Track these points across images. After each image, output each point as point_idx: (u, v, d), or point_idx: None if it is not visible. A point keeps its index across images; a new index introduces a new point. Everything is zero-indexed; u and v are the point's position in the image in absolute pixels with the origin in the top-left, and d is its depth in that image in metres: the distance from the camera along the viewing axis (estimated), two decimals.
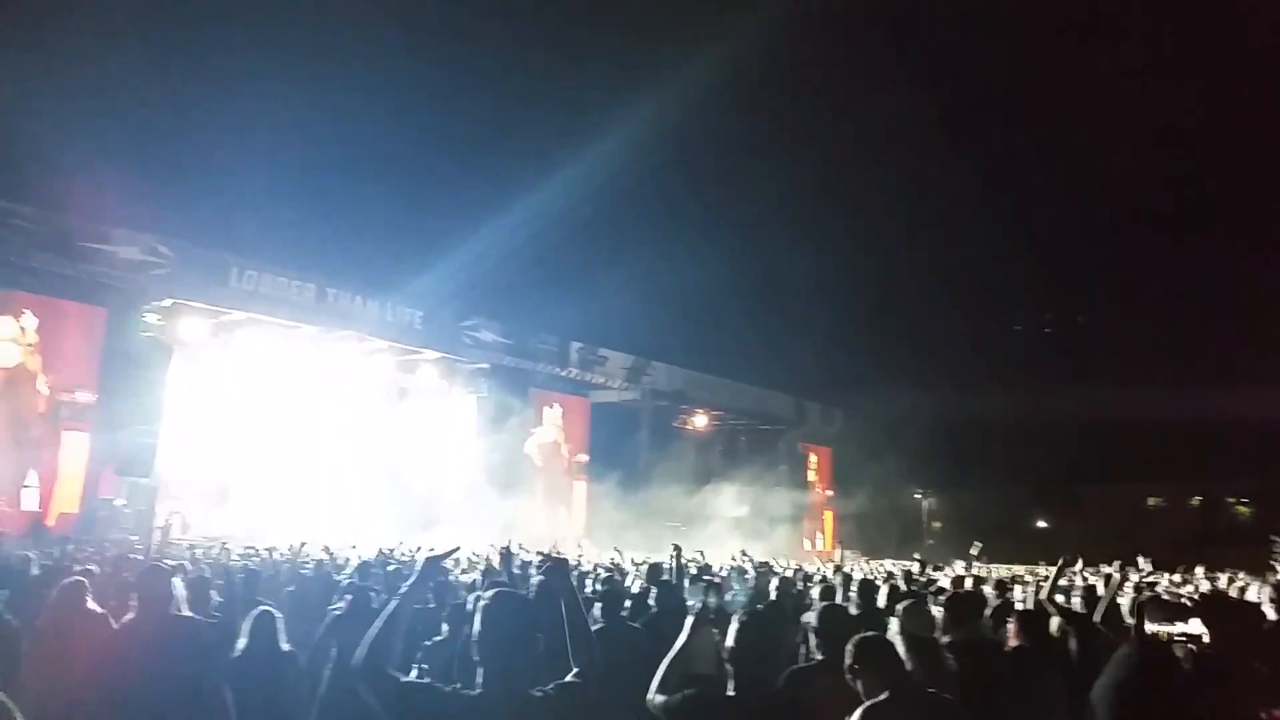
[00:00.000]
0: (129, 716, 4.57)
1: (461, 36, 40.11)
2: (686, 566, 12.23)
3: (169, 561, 11.16)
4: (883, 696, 3.62)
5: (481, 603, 3.07)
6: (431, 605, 6.93)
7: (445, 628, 5.97)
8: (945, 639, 5.18)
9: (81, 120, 25.05)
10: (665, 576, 8.23)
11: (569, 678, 3.09)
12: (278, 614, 5.46)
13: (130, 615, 5.21)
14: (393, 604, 3.09)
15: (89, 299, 21.95)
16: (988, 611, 5.88)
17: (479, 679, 2.96)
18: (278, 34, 34.25)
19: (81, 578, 6.28)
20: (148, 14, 31.78)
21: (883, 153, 46.63)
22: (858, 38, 45.91)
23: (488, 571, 7.85)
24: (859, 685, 3.71)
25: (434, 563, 3.31)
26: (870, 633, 3.96)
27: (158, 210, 23.10)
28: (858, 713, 3.60)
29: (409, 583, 3.19)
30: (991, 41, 45.09)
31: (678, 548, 8.33)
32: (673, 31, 41.33)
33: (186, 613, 5.48)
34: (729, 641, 3.60)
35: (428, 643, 5.86)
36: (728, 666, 3.61)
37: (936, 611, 5.91)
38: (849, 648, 3.82)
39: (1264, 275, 42.20)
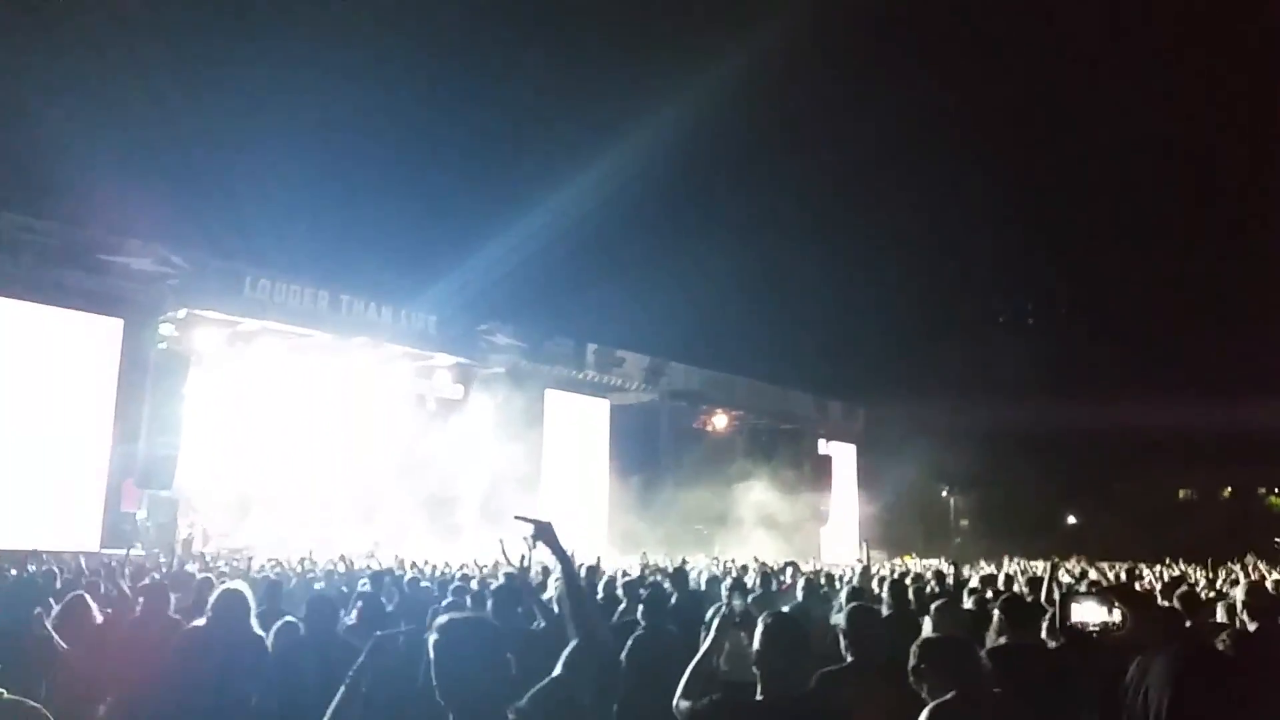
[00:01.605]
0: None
1: (475, 43, 40.18)
2: (706, 571, 12.02)
3: (200, 574, 11.11)
4: (949, 696, 3.51)
5: (433, 639, 2.67)
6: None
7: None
8: (1001, 640, 5.02)
9: (94, 133, 25.17)
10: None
11: (556, 670, 2.87)
12: (249, 595, 5.30)
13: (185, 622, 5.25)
14: (342, 689, 2.83)
15: (105, 311, 21.95)
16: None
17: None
18: (290, 44, 34.34)
19: (84, 592, 6.26)
20: (161, 29, 31.91)
21: (905, 151, 46.35)
22: (875, 40, 45.68)
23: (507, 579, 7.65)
24: (924, 687, 3.59)
25: (384, 642, 2.96)
26: (937, 634, 3.81)
27: (170, 221, 23.13)
28: (925, 712, 3.50)
29: (357, 664, 2.86)
30: (1011, 40, 44.74)
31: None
32: (688, 35, 41.26)
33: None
34: (756, 645, 3.49)
35: None
36: (755, 670, 3.48)
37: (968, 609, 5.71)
38: (915, 648, 3.73)
39: None
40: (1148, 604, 4.45)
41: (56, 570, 9.64)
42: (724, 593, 7.67)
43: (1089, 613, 4.15)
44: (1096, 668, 4.72)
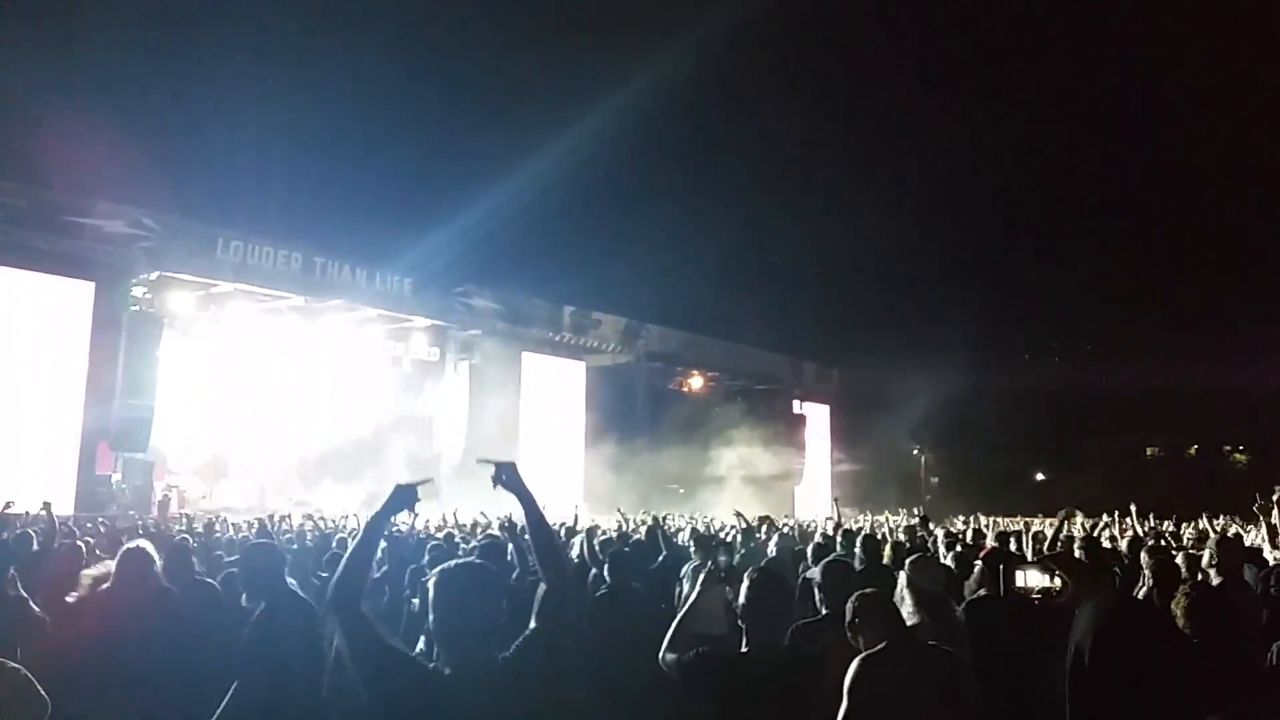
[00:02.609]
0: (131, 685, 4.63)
1: (451, 6, 39.61)
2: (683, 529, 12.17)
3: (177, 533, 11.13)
4: (879, 647, 3.62)
5: (434, 579, 2.84)
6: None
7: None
8: (982, 592, 5.19)
9: (63, 93, 24.73)
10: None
11: (532, 622, 2.92)
12: (192, 544, 5.36)
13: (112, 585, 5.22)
14: (360, 534, 2.96)
15: (76, 274, 21.72)
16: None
17: (444, 659, 2.77)
18: (264, 8, 33.75)
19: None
20: None
21: (879, 112, 46.31)
22: (857, 9, 45.45)
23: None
24: (859, 640, 3.69)
25: (405, 490, 3.11)
26: (869, 589, 3.91)
27: (142, 183, 22.80)
28: (854, 663, 3.60)
29: (376, 512, 3.00)
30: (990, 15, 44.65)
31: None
32: (667, 1, 40.85)
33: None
34: (741, 599, 3.59)
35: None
36: (740, 624, 3.60)
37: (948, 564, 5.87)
38: (849, 604, 3.81)
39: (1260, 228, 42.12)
40: (1084, 569, 4.61)
41: (32, 534, 9.60)
42: (693, 550, 7.83)
43: (1032, 579, 4.31)
44: (1064, 619, 4.89)
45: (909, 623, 4.27)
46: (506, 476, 3.11)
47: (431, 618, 2.78)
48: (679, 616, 3.78)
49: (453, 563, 2.97)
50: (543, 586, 3.02)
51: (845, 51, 45.90)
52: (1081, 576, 4.25)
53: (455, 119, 42.85)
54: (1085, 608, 4.12)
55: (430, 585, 2.82)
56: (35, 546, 8.59)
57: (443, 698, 2.64)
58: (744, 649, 3.54)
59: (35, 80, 23.42)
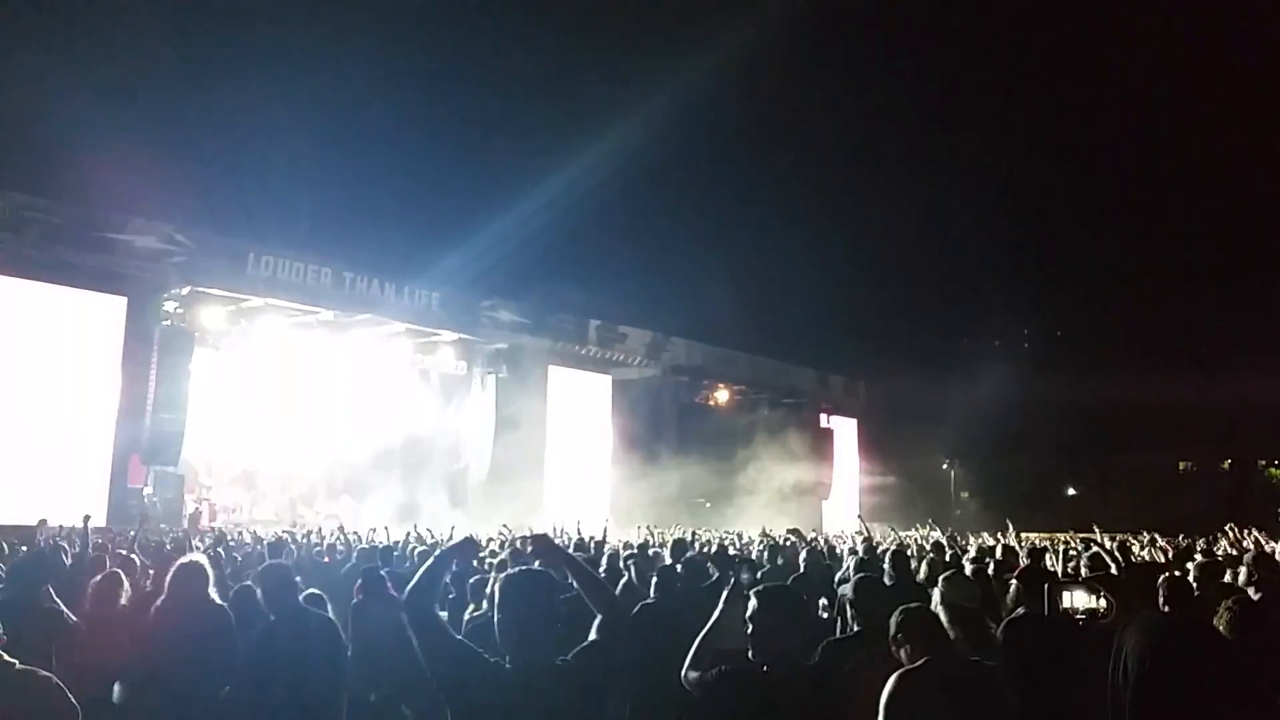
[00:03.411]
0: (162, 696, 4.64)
1: (476, 19, 39.93)
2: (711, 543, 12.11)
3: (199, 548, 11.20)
4: (920, 663, 3.60)
5: (499, 583, 3.12)
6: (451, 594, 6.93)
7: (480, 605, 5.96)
8: (1019, 611, 5.11)
9: (96, 110, 25.08)
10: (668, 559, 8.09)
11: (592, 635, 3.20)
12: (208, 567, 5.38)
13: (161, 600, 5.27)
14: (433, 559, 3.24)
15: (108, 289, 21.99)
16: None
17: (506, 660, 2.99)
18: (292, 22, 34.15)
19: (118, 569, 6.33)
20: (164, 6, 31.75)
21: (911, 123, 46.20)
22: (879, 13, 45.39)
23: (514, 554, 7.79)
24: (902, 654, 3.65)
25: (470, 544, 3.62)
26: (915, 604, 3.87)
27: (174, 198, 23.09)
28: (893, 678, 3.59)
29: (449, 544, 3.39)
30: (1004, 16, 44.46)
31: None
32: (690, 9, 40.95)
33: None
34: (748, 615, 3.58)
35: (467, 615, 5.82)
36: (749, 640, 3.59)
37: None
38: (893, 619, 3.77)
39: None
40: (1131, 591, 4.54)
41: (65, 546, 9.70)
42: (710, 567, 7.76)
43: (1078, 600, 4.23)
44: (1102, 639, 4.81)
45: None
46: (541, 550, 3.38)
47: (497, 617, 3.04)
48: (702, 634, 3.78)
49: (518, 568, 3.34)
50: (599, 617, 3.28)
51: (869, 62, 45.84)
52: (1127, 597, 4.20)
53: (482, 134, 43.12)
54: (1133, 627, 4.06)
55: (497, 588, 3.12)
56: (68, 561, 8.67)
57: (504, 690, 2.89)
58: (765, 667, 3.50)
59: (68, 98, 23.80)
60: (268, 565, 5.44)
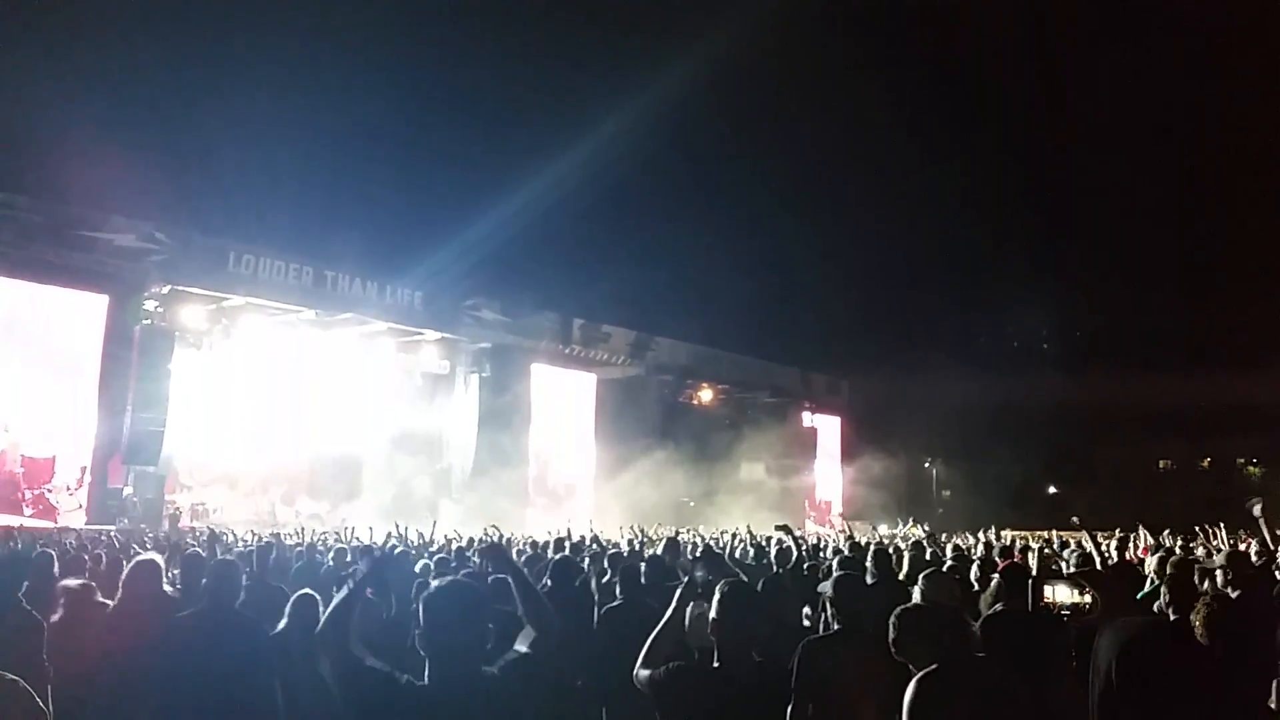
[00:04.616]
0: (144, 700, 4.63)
1: (459, 17, 39.79)
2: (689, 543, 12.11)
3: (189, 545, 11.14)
4: (934, 667, 3.52)
5: (424, 594, 3.00)
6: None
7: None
8: (998, 607, 5.11)
9: (76, 108, 24.90)
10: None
11: (520, 647, 3.09)
12: (161, 563, 5.36)
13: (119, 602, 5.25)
14: (351, 583, 3.18)
15: (89, 287, 21.85)
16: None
17: (426, 671, 2.92)
18: (273, 19, 33.97)
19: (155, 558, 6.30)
20: (144, 3, 31.54)
21: (891, 126, 46.34)
22: (863, 15, 45.54)
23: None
24: (905, 657, 3.61)
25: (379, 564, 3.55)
26: (915, 605, 3.85)
27: (154, 197, 22.93)
28: (911, 685, 3.50)
29: (371, 561, 3.29)
30: (999, 24, 44.67)
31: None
32: (675, 9, 41.00)
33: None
34: (712, 613, 3.52)
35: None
36: (712, 638, 3.52)
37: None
38: (893, 620, 3.71)
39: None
40: (1114, 585, 4.56)
41: (54, 554, 9.62)
42: (688, 562, 7.76)
43: (1060, 594, 4.23)
44: (1083, 635, 4.85)
45: None
46: (491, 559, 3.32)
47: (417, 633, 2.94)
48: (654, 633, 3.71)
49: (441, 580, 3.14)
50: (533, 634, 3.20)
51: (856, 63, 45.95)
52: (1109, 592, 4.20)
53: (464, 133, 43.02)
54: (1109, 627, 4.06)
55: (420, 601, 2.98)
56: (56, 569, 8.52)
57: (414, 706, 2.83)
58: (716, 664, 3.47)
59: (48, 96, 23.63)
60: (217, 561, 5.41)
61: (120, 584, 5.31)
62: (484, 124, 45.29)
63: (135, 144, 26.12)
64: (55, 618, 5.67)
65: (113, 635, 4.98)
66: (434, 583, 3.11)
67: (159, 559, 5.39)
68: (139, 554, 6.28)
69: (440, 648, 2.89)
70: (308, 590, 5.41)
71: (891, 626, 3.71)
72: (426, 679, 2.89)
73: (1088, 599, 4.30)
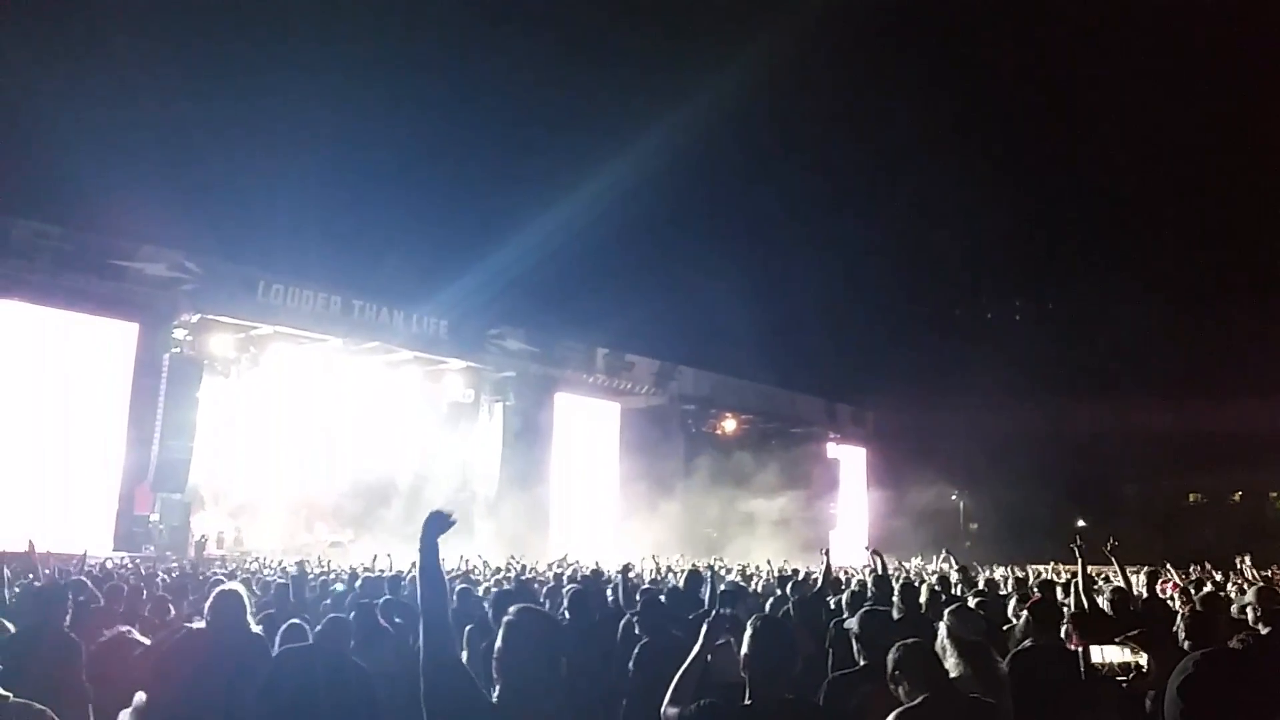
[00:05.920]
0: None
1: (487, 50, 40.30)
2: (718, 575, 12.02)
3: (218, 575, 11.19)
4: (918, 700, 3.53)
5: (506, 618, 3.04)
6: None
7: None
8: (1027, 644, 5.07)
9: (108, 140, 25.34)
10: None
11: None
12: (244, 594, 5.36)
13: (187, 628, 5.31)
14: (422, 586, 3.09)
15: (120, 315, 22.11)
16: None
17: (495, 694, 2.94)
18: (302, 51, 34.51)
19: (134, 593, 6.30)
20: (174, 36, 32.12)
21: (914, 156, 46.36)
22: (878, 47, 45.70)
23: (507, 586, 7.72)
24: (901, 691, 3.60)
25: (437, 517, 3.25)
26: (912, 639, 3.82)
27: (185, 227, 23.31)
28: (891, 717, 3.50)
29: (424, 554, 3.15)
30: (1012, 44, 44.69)
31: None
32: (697, 43, 41.34)
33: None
34: (744, 649, 3.47)
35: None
36: (744, 674, 3.47)
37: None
38: (891, 655, 3.70)
39: None
40: (1168, 645, 4.45)
41: (89, 583, 9.69)
42: (705, 595, 7.67)
43: (1109, 655, 4.13)
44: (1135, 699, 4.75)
45: (953, 674, 4.17)
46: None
47: (496, 651, 2.99)
48: (682, 668, 3.66)
49: (520, 608, 3.13)
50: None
51: (878, 96, 46.10)
52: (1164, 654, 4.09)
53: (490, 163, 43.38)
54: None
55: (504, 622, 3.04)
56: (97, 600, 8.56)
57: (480, 714, 2.85)
58: (747, 701, 3.42)
59: (81, 128, 24.05)
60: (220, 590, 5.44)
61: (206, 611, 5.35)
62: (509, 157, 45.67)
63: (166, 175, 26.60)
64: (94, 645, 5.76)
65: (200, 661, 5.03)
66: (513, 609, 3.12)
67: (241, 589, 5.41)
68: (218, 583, 6.29)
69: (515, 675, 2.94)
70: (230, 587, 5.44)
71: (890, 660, 3.72)
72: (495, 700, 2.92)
73: (1143, 659, 4.18)
